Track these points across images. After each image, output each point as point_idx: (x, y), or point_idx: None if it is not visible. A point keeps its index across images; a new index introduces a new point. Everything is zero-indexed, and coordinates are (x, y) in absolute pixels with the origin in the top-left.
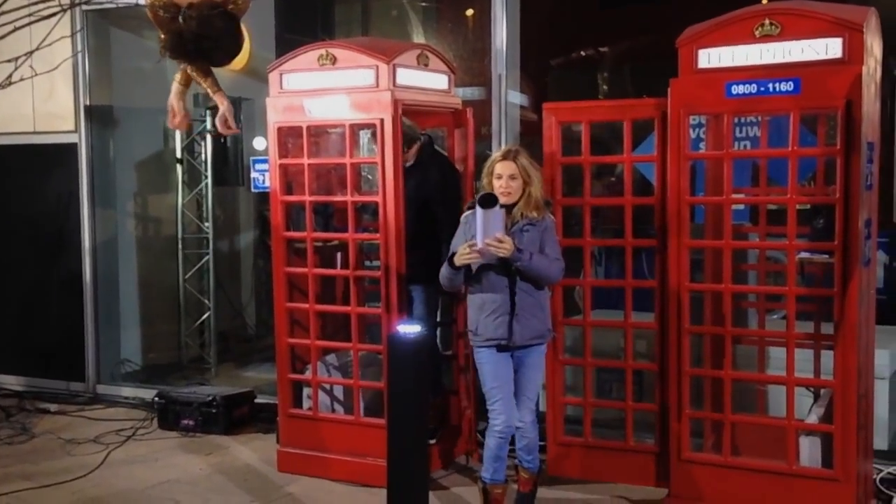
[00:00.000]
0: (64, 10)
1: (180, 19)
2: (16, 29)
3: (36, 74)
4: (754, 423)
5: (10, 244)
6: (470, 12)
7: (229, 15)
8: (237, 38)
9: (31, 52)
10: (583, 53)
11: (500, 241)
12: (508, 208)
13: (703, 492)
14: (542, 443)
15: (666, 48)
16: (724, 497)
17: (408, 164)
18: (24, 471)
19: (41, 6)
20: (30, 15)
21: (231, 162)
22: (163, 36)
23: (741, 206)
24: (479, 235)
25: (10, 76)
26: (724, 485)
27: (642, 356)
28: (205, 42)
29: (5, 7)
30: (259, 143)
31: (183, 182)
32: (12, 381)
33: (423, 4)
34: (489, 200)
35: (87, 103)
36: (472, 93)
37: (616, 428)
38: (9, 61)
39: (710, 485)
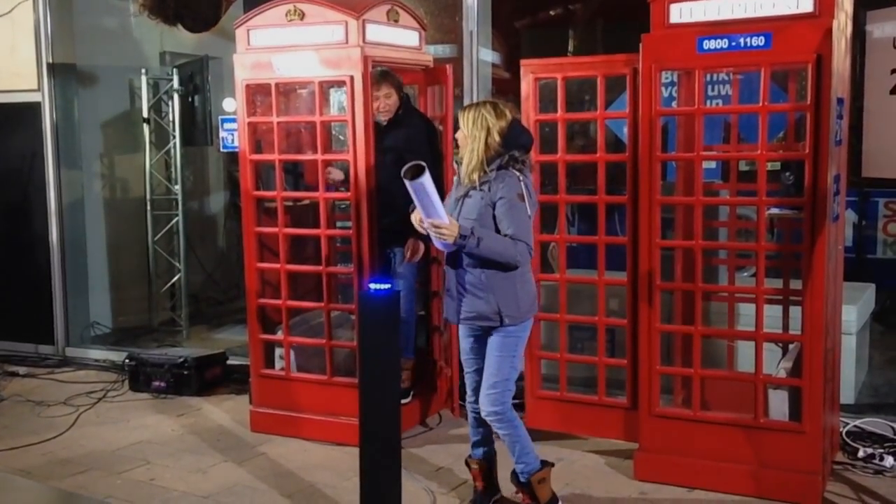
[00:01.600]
0: None
1: None
2: None
3: None
4: (723, 378)
5: None
6: None
7: None
8: (217, 10)
9: None
10: (552, 13)
11: (438, 227)
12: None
13: (673, 445)
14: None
15: (639, 4)
16: (693, 450)
17: (383, 122)
18: None
19: None
20: None
21: (199, 121)
22: None
23: (713, 165)
24: (421, 213)
25: None
26: (693, 438)
27: (615, 315)
28: (185, 9)
29: None
30: (228, 104)
31: (150, 142)
32: None
33: None
34: (414, 171)
35: (50, 61)
36: (442, 50)
37: (591, 385)
38: None
39: (679, 439)
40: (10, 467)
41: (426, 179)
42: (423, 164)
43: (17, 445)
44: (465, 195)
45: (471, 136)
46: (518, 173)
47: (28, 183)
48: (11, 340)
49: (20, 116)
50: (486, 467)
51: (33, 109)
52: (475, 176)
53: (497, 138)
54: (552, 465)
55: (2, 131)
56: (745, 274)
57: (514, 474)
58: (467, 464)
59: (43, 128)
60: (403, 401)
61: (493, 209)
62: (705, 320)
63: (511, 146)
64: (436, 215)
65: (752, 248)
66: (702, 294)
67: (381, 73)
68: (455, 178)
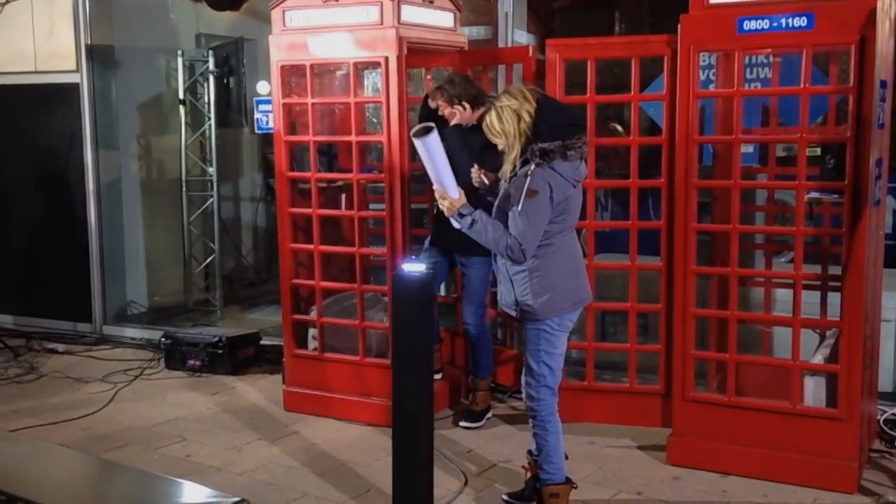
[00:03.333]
0: None
1: None
2: None
3: None
4: (759, 364)
5: (15, 185)
6: None
7: None
8: None
9: None
10: None
11: (442, 197)
12: None
13: (707, 432)
14: None
15: None
16: (728, 436)
17: (468, 125)
18: (32, 408)
19: None
20: None
21: (234, 103)
22: None
23: (750, 149)
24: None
25: None
26: (727, 425)
27: (643, 301)
28: None
29: None
30: (262, 87)
31: (186, 124)
32: (20, 322)
33: None
34: (424, 131)
35: (89, 42)
36: (477, 32)
37: (617, 370)
38: None
39: (713, 425)
40: (51, 441)
41: (432, 140)
42: (432, 125)
43: (57, 420)
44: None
45: (505, 134)
46: (541, 168)
47: (67, 163)
48: (50, 318)
49: (59, 97)
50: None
51: (72, 91)
52: (512, 166)
53: (528, 120)
54: (574, 486)
55: (42, 112)
56: (782, 259)
57: (531, 453)
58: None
59: (81, 109)
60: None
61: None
62: (741, 306)
63: (543, 129)
64: (441, 183)
65: (790, 232)
66: (738, 279)
67: (434, 91)
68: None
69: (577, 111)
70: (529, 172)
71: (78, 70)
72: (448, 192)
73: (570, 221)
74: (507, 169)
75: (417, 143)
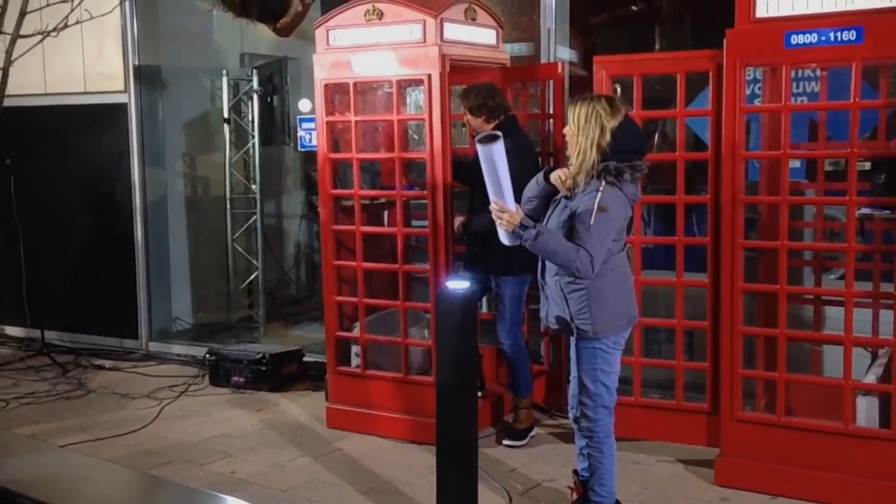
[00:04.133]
0: None
1: None
2: None
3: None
4: (809, 383)
5: (64, 203)
6: None
7: None
8: (285, 2)
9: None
10: (633, 8)
11: (501, 210)
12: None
13: (756, 452)
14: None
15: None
16: (777, 457)
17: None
18: (81, 424)
19: None
20: None
21: (277, 121)
22: None
23: (797, 164)
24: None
25: (66, 18)
26: (777, 445)
27: (688, 318)
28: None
29: None
30: (304, 105)
31: (230, 142)
32: (68, 339)
33: None
34: (490, 137)
35: (136, 63)
36: (519, 48)
37: (664, 388)
38: (65, 1)
39: (762, 445)
40: (98, 457)
41: (497, 148)
42: (500, 133)
43: (104, 436)
44: (558, 202)
45: (582, 133)
46: (611, 185)
47: (115, 182)
48: (98, 335)
49: (108, 117)
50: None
51: (120, 110)
52: (580, 178)
53: (608, 138)
54: None
55: (91, 131)
56: (832, 276)
57: (577, 472)
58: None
59: (129, 128)
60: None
61: (573, 217)
62: (790, 323)
63: (619, 148)
64: (500, 195)
65: (841, 248)
66: (786, 296)
67: (461, 94)
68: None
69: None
70: (600, 189)
71: (126, 90)
72: (507, 204)
73: (623, 240)
74: (572, 173)
75: (482, 149)
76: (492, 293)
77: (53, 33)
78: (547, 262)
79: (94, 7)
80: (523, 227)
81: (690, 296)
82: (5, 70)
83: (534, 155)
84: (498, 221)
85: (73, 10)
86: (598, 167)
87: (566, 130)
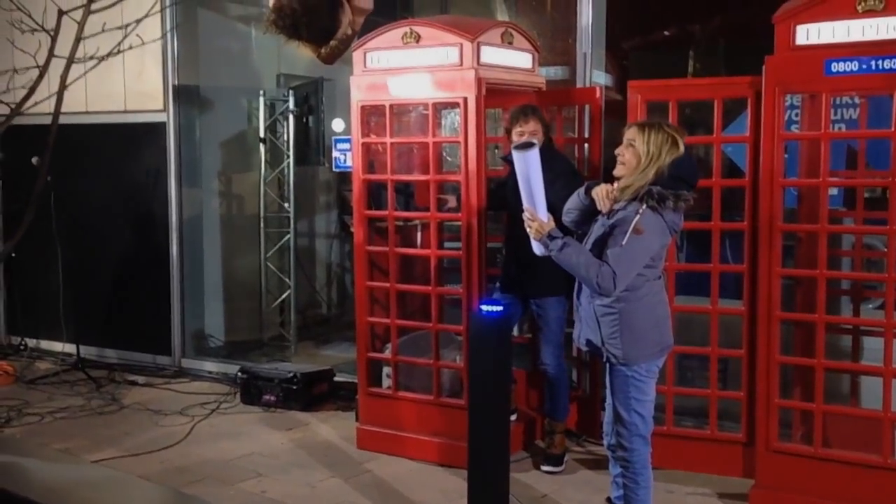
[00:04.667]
0: None
1: None
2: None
3: (126, 49)
4: (847, 415)
5: (102, 220)
6: None
7: None
8: (334, 21)
9: (140, 20)
10: (666, 33)
11: (531, 218)
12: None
13: (792, 484)
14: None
15: (765, 26)
16: (814, 490)
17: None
18: (113, 440)
19: None
20: None
21: (312, 141)
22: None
23: (834, 191)
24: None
25: (119, 45)
26: (814, 477)
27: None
28: (302, 21)
29: None
30: (337, 124)
31: (265, 161)
32: (103, 354)
33: None
34: (526, 144)
35: (176, 83)
36: (555, 72)
37: (697, 416)
38: (120, 28)
39: (799, 477)
40: (131, 473)
41: (532, 155)
42: (535, 142)
43: (137, 452)
44: (598, 219)
45: (647, 156)
46: (651, 210)
47: (152, 199)
48: (132, 350)
49: (146, 136)
50: None
51: (159, 129)
52: (627, 194)
53: (667, 162)
54: None
55: (129, 150)
56: (870, 306)
57: (610, 500)
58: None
59: (167, 147)
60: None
61: (608, 235)
62: (827, 353)
63: (673, 175)
64: (532, 203)
65: (881, 279)
66: (824, 326)
67: (532, 108)
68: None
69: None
70: (640, 211)
71: (165, 109)
72: (538, 213)
73: (661, 267)
74: (620, 186)
75: (518, 156)
76: (530, 316)
77: (106, 59)
78: (582, 290)
79: (140, 30)
80: (551, 237)
81: (723, 321)
82: (60, 95)
83: (572, 178)
84: (528, 229)
85: (125, 37)
86: (646, 188)
87: (621, 151)
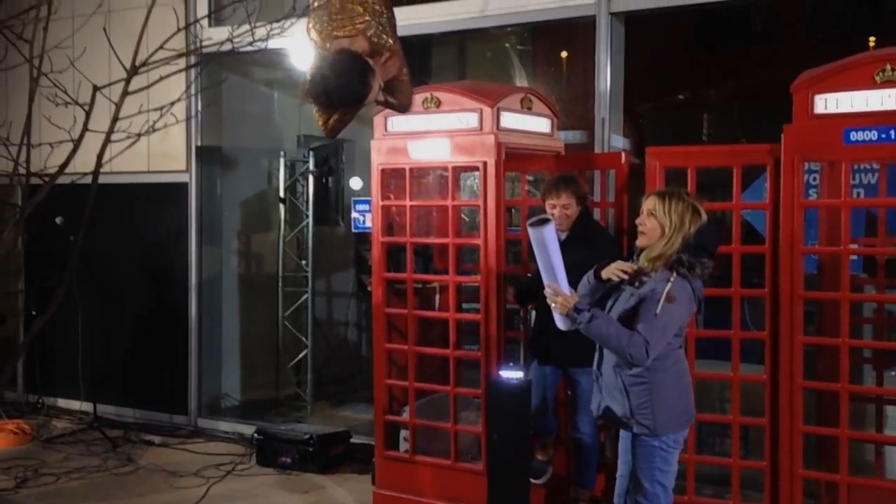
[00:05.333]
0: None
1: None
2: (161, 78)
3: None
4: (873, 486)
5: (123, 279)
6: (564, 54)
7: (361, 60)
8: (365, 84)
9: (175, 102)
10: (680, 96)
11: (555, 294)
12: (635, 256)
13: None
14: None
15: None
16: None
17: (562, 237)
18: (129, 502)
19: (172, 56)
20: (167, 64)
21: (332, 202)
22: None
23: (854, 256)
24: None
25: (159, 119)
26: None
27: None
28: (332, 82)
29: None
30: (355, 182)
31: (285, 221)
32: (119, 413)
33: (521, 48)
34: (541, 221)
35: (199, 144)
36: (573, 136)
37: (718, 483)
38: (157, 110)
39: None
40: None
41: (549, 231)
42: (549, 217)
43: None
44: (620, 291)
45: (671, 226)
46: (682, 277)
47: (172, 258)
48: (148, 409)
49: (168, 195)
50: None
51: (181, 189)
52: (657, 264)
53: (692, 232)
54: None
55: (151, 209)
56: (893, 373)
57: None
58: None
59: (188, 206)
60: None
61: (638, 306)
62: (851, 422)
63: (697, 244)
64: (554, 279)
65: None
66: (848, 395)
67: (564, 180)
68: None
69: None
70: (672, 280)
71: (188, 170)
72: (561, 288)
73: (683, 335)
74: (645, 259)
75: (533, 233)
76: (560, 384)
77: (138, 138)
78: (605, 354)
79: (157, 102)
80: (577, 310)
81: (747, 388)
82: (95, 174)
83: (611, 247)
84: (553, 305)
85: (161, 116)
86: (674, 257)
87: (642, 220)
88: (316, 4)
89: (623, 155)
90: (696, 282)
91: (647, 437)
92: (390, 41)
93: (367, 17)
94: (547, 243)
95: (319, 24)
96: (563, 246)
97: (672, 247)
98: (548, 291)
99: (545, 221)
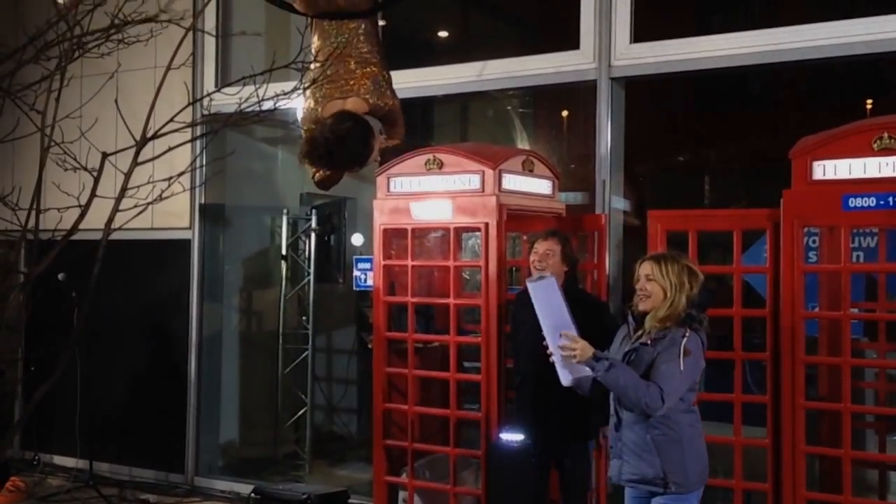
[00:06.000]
0: (215, 132)
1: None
2: (170, 148)
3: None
4: None
5: (122, 334)
6: (566, 114)
7: (362, 122)
8: (366, 146)
9: (182, 174)
10: (681, 158)
11: (572, 345)
12: (640, 319)
13: None
14: None
15: (768, 151)
16: None
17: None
18: None
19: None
20: (176, 131)
21: (334, 259)
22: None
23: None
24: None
25: (167, 189)
26: None
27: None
28: (334, 145)
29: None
30: (357, 238)
31: (286, 278)
32: (115, 470)
33: (522, 110)
34: (540, 277)
35: (202, 201)
36: (574, 197)
37: None
38: (164, 180)
39: None
40: None
41: (550, 283)
42: (547, 274)
43: None
44: (635, 350)
45: (672, 288)
46: (694, 332)
47: (173, 315)
48: (145, 467)
49: (171, 253)
50: None
51: (183, 246)
52: (668, 324)
53: (692, 292)
54: None
55: (154, 266)
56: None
57: None
58: None
59: (191, 263)
60: None
61: (654, 361)
62: (854, 488)
63: (700, 300)
64: (568, 327)
65: None
66: (850, 461)
67: (549, 231)
68: (622, 329)
69: None
70: (686, 335)
71: (191, 227)
72: (576, 336)
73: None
74: (653, 321)
75: (536, 288)
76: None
77: (145, 208)
78: (624, 417)
79: (163, 162)
80: (596, 357)
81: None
82: (103, 243)
83: (592, 308)
84: (568, 354)
85: (169, 185)
86: (683, 314)
87: (642, 286)
88: (312, 69)
89: (604, 217)
90: (703, 335)
91: (675, 494)
92: (389, 99)
93: (360, 74)
94: (551, 294)
95: (316, 90)
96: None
97: (678, 307)
98: (564, 342)
99: (543, 278)
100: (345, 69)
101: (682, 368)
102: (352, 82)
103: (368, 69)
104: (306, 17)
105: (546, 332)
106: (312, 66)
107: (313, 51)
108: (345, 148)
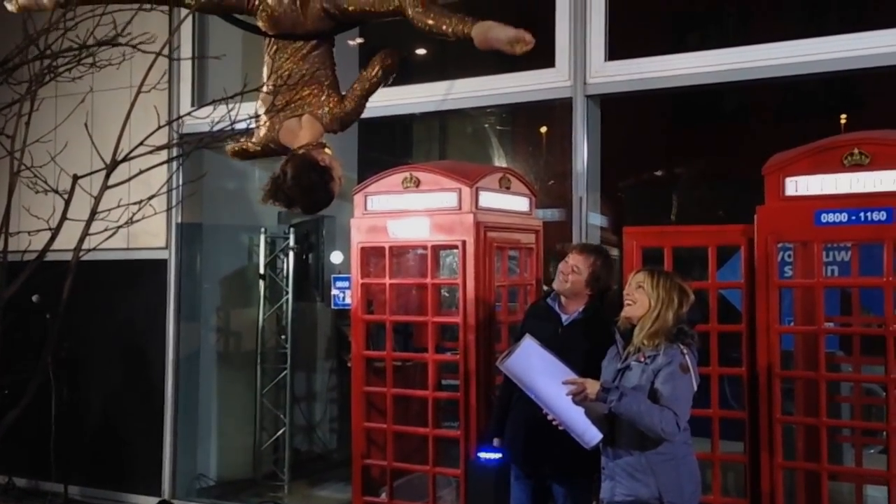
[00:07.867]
0: (186, 155)
1: (279, 172)
2: (141, 172)
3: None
4: None
5: (98, 356)
6: (544, 129)
7: (322, 169)
8: (329, 193)
9: (153, 197)
10: (657, 173)
11: (581, 387)
12: (627, 334)
13: None
14: None
15: (742, 167)
16: None
17: (573, 317)
18: None
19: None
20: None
21: (312, 278)
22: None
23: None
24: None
25: (138, 212)
26: None
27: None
28: (298, 197)
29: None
30: (336, 256)
31: (264, 297)
32: (87, 494)
33: (500, 128)
34: (508, 353)
35: (179, 221)
36: (551, 214)
37: None
38: (136, 203)
39: None
40: None
41: (531, 345)
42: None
43: None
44: (627, 367)
45: (659, 301)
46: (686, 347)
47: (150, 335)
48: (120, 491)
49: (148, 272)
50: None
51: (160, 266)
52: (657, 340)
53: (682, 311)
54: None
55: (130, 286)
56: (872, 451)
57: None
58: None
59: (167, 283)
60: None
61: (654, 380)
62: (831, 502)
63: (694, 318)
64: (566, 374)
65: (882, 427)
66: (827, 475)
67: (588, 245)
68: (612, 349)
69: None
70: (683, 352)
71: (167, 247)
72: (578, 378)
73: None
74: (641, 336)
75: (513, 361)
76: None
77: (116, 231)
78: (618, 436)
79: (140, 181)
80: (606, 390)
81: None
82: (71, 268)
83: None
84: (580, 398)
85: (140, 207)
86: (674, 330)
87: (630, 292)
88: (265, 90)
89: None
90: (695, 350)
91: None
92: (334, 107)
93: (310, 94)
94: (531, 359)
95: (267, 108)
96: (570, 329)
97: (665, 323)
98: (572, 388)
99: (511, 351)
100: (304, 91)
101: (685, 388)
102: (305, 95)
103: (322, 89)
104: (266, 38)
105: (545, 401)
106: (264, 88)
107: (266, 71)
108: (310, 199)
